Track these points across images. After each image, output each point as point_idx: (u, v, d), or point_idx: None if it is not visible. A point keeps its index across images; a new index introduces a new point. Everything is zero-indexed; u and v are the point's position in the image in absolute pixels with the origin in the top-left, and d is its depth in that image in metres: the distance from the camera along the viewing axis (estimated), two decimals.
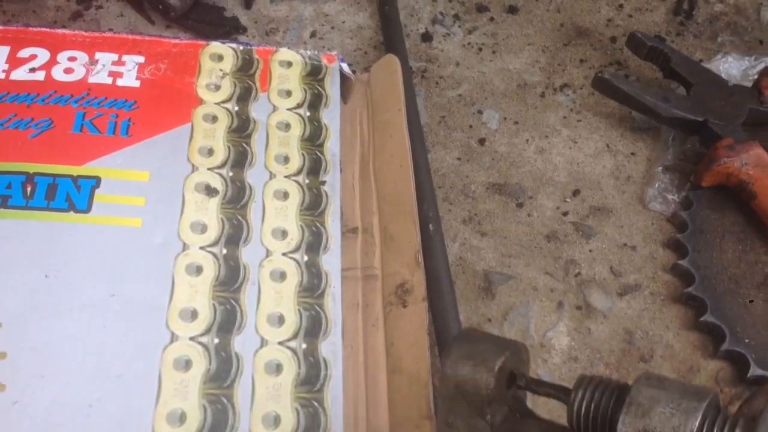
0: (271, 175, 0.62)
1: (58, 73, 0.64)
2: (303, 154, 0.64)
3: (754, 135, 0.68)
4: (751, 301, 0.62)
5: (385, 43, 0.77)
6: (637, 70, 0.78)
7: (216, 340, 0.53)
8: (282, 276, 0.57)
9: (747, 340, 0.60)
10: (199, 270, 0.56)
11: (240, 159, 0.62)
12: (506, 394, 0.41)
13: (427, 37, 0.80)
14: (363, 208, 0.64)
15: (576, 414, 0.38)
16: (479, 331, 0.43)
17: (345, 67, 0.70)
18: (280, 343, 0.54)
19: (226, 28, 0.78)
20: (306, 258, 0.58)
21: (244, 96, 0.67)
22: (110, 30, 0.77)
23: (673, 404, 0.35)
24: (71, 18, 0.78)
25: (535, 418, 0.42)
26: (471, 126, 0.74)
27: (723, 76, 0.73)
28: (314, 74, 0.70)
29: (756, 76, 0.73)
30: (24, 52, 0.65)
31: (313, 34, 0.80)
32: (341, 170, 0.65)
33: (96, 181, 0.59)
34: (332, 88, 0.69)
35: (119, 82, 0.65)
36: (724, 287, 0.62)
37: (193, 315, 0.54)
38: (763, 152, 0.65)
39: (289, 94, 0.68)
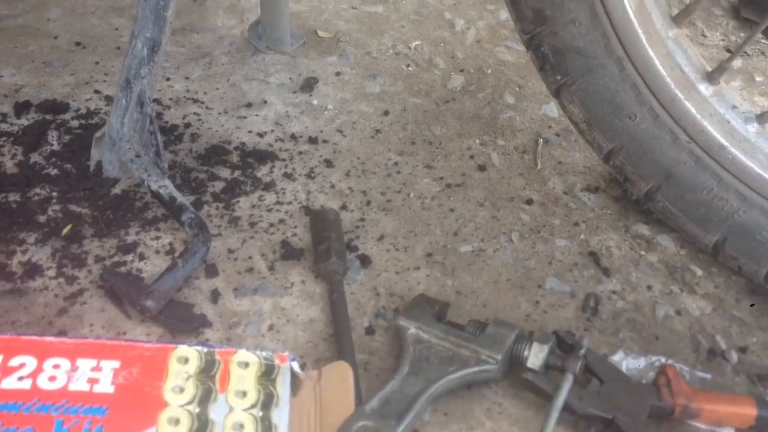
0: None
1: (42, 381, 0.74)
2: None
3: (658, 428, 0.79)
4: None
5: (336, 344, 0.89)
6: None
7: None
8: None
9: None
10: None
11: None
12: None
13: (370, 331, 0.92)
14: None
15: None
16: None
17: (295, 366, 0.81)
18: None
19: (195, 325, 0.89)
20: None
21: (205, 398, 0.76)
22: (91, 325, 0.87)
23: None
24: (57, 314, 0.89)
25: None
26: None
27: (625, 372, 0.85)
28: (268, 374, 0.80)
29: (654, 373, 0.85)
30: (14, 361, 0.75)
31: (270, 327, 0.91)
32: None
33: None
34: (283, 387, 0.79)
35: (95, 388, 0.74)
36: None
37: None
38: None
39: (244, 394, 0.77)
